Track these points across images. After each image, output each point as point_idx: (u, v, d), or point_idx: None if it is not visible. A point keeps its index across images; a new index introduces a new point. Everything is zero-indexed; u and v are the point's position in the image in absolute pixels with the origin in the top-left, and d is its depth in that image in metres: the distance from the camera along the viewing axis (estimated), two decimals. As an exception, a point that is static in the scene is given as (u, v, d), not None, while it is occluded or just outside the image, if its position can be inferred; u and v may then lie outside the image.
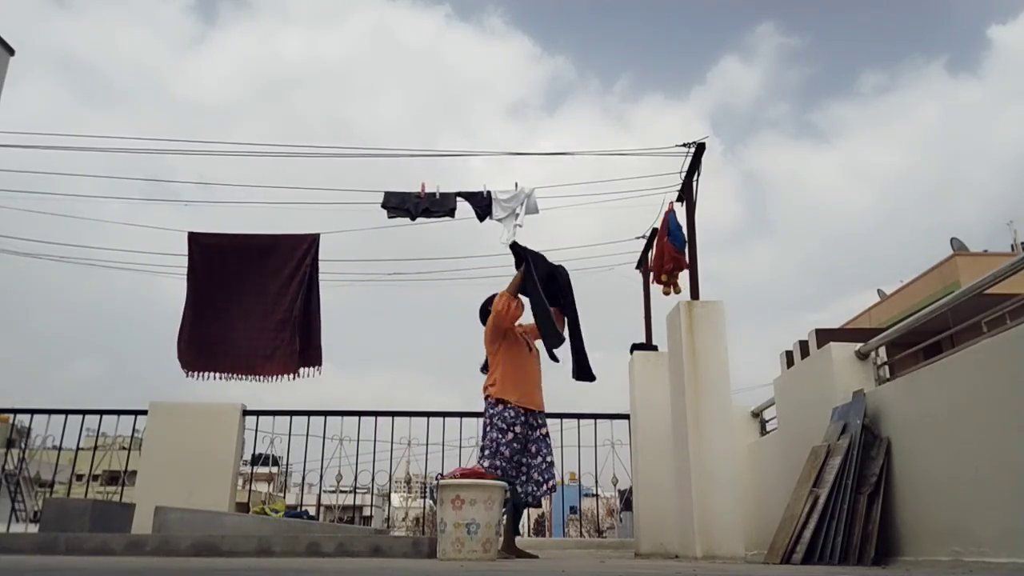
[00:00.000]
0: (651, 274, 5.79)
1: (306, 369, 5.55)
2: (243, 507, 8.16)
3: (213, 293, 5.50)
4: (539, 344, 4.61)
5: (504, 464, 4.19)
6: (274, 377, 5.51)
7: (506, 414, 4.28)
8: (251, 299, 5.50)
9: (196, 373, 5.58)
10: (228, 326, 5.50)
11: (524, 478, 4.32)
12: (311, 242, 5.55)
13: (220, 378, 5.57)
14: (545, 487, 4.34)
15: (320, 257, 5.62)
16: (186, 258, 5.56)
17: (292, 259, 5.55)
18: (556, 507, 9.29)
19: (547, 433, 4.50)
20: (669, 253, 5.27)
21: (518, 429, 4.27)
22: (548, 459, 4.39)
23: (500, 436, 4.25)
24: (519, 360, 4.46)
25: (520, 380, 4.40)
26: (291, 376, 5.50)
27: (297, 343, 5.40)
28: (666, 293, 5.42)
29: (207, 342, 5.52)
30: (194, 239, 5.53)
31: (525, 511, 4.71)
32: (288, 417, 6.16)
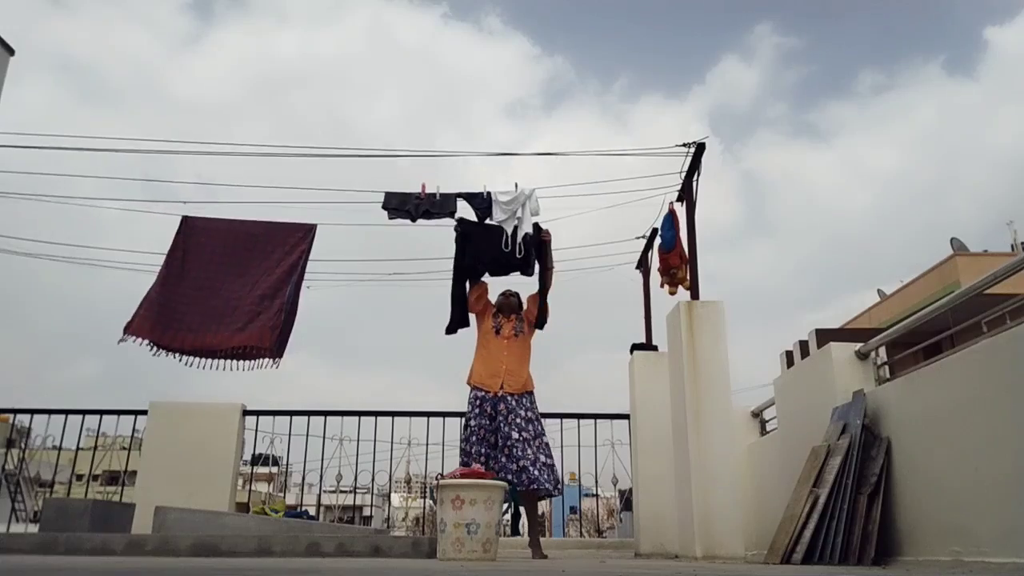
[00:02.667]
0: (652, 274, 5.80)
1: (273, 357, 5.26)
2: (243, 507, 8.16)
3: (194, 270, 5.31)
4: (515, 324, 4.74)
5: (467, 460, 4.30)
6: (239, 355, 5.23)
7: (467, 407, 4.55)
8: (234, 279, 5.37)
9: (147, 343, 5.17)
10: (204, 300, 5.28)
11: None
12: (307, 231, 5.52)
13: (177, 356, 5.24)
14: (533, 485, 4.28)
15: (320, 257, 5.60)
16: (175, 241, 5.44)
17: (285, 244, 5.49)
18: (556, 507, 9.30)
19: (530, 419, 4.43)
20: (659, 254, 5.33)
21: (473, 422, 4.44)
22: (518, 455, 4.28)
23: (463, 432, 4.50)
24: (483, 345, 4.71)
25: (478, 363, 4.65)
26: (259, 355, 5.24)
27: (280, 322, 5.24)
28: (672, 293, 5.41)
29: (175, 313, 5.22)
30: (186, 221, 5.50)
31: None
32: (288, 417, 6.17)
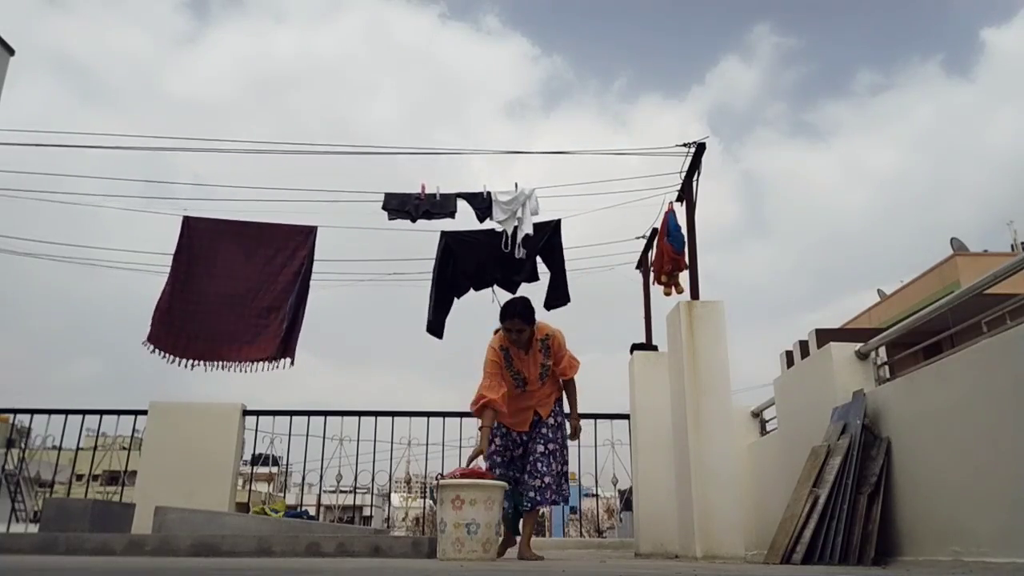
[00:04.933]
0: (651, 274, 5.80)
1: (282, 360, 5.43)
2: (243, 507, 8.17)
3: (199, 275, 5.41)
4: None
5: (497, 470, 4.18)
6: (250, 363, 5.41)
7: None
8: (238, 284, 5.43)
9: (165, 354, 5.42)
10: (210, 309, 5.41)
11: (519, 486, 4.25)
12: (308, 233, 5.53)
13: (191, 364, 5.46)
14: (538, 497, 4.12)
15: (320, 257, 5.61)
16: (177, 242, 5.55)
17: (287, 248, 5.51)
18: (557, 507, 9.30)
19: (559, 424, 4.23)
20: (668, 254, 5.29)
21: (498, 441, 4.18)
22: (542, 471, 4.12)
23: (489, 446, 4.13)
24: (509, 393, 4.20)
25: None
26: (267, 362, 5.39)
27: (283, 331, 5.34)
28: (667, 294, 5.42)
29: (185, 323, 5.40)
30: (187, 222, 5.53)
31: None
32: (288, 417, 6.16)
